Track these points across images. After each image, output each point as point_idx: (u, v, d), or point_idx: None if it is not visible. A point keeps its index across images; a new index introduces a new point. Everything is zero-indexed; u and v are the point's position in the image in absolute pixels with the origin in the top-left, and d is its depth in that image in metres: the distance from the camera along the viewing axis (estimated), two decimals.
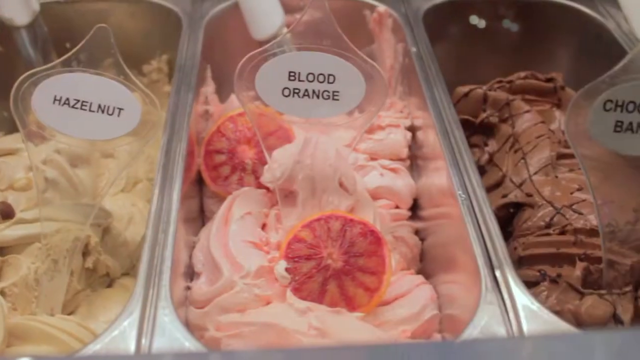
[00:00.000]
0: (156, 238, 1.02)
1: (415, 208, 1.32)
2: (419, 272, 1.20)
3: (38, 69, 1.02)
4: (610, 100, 0.93)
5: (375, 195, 1.26)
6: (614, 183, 1.01)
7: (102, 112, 1.03)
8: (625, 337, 0.79)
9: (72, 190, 1.20)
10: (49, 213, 1.10)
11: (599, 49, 1.56)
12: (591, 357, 0.73)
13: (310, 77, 1.05)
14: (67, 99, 1.03)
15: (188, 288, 1.11)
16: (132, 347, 0.87)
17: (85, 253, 1.13)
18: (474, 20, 1.62)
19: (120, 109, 1.02)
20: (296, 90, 1.05)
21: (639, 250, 1.02)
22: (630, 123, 0.94)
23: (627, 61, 0.94)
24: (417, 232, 1.28)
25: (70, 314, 1.10)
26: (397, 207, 1.29)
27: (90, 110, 1.03)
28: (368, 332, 1.00)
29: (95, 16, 1.58)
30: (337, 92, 1.05)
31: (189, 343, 0.87)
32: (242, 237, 1.11)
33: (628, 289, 1.02)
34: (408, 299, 1.09)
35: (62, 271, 1.08)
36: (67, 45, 1.39)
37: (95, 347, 0.86)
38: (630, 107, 0.94)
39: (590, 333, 0.89)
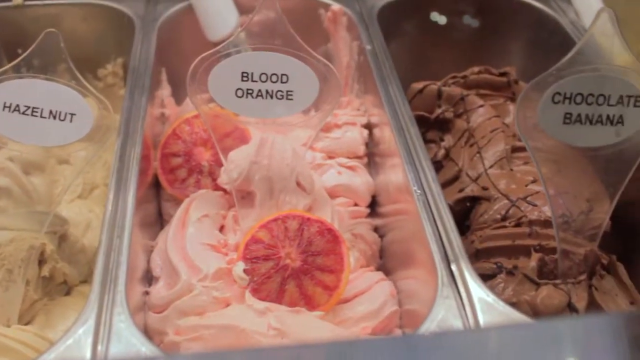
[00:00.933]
0: (111, 243, 1.01)
1: (373, 205, 1.32)
2: (379, 269, 1.21)
3: None
4: (559, 93, 0.94)
5: (333, 194, 1.26)
6: (568, 174, 1.02)
7: (54, 118, 1.02)
8: (579, 324, 0.80)
9: (26, 198, 1.19)
10: (2, 222, 1.09)
11: (552, 43, 1.58)
12: (544, 345, 0.74)
13: (264, 77, 1.04)
14: (18, 106, 1.02)
15: (146, 293, 1.10)
16: (87, 355, 0.86)
17: (42, 261, 1.11)
18: (435, 17, 1.63)
19: (72, 115, 1.02)
20: (250, 91, 1.05)
21: (592, 239, 1.04)
22: (579, 115, 0.96)
23: (574, 53, 0.95)
24: (376, 229, 1.28)
25: (27, 324, 1.08)
26: (355, 204, 1.29)
27: (41, 117, 1.02)
28: (328, 331, 1.00)
29: (48, 21, 1.55)
30: (291, 91, 1.05)
31: (145, 348, 0.87)
32: (200, 240, 1.11)
33: (582, 277, 1.03)
34: (368, 296, 1.09)
35: (17, 281, 1.06)
36: (19, 51, 1.37)
37: (49, 357, 0.85)
38: (578, 99, 0.95)
39: (543, 322, 0.90)
